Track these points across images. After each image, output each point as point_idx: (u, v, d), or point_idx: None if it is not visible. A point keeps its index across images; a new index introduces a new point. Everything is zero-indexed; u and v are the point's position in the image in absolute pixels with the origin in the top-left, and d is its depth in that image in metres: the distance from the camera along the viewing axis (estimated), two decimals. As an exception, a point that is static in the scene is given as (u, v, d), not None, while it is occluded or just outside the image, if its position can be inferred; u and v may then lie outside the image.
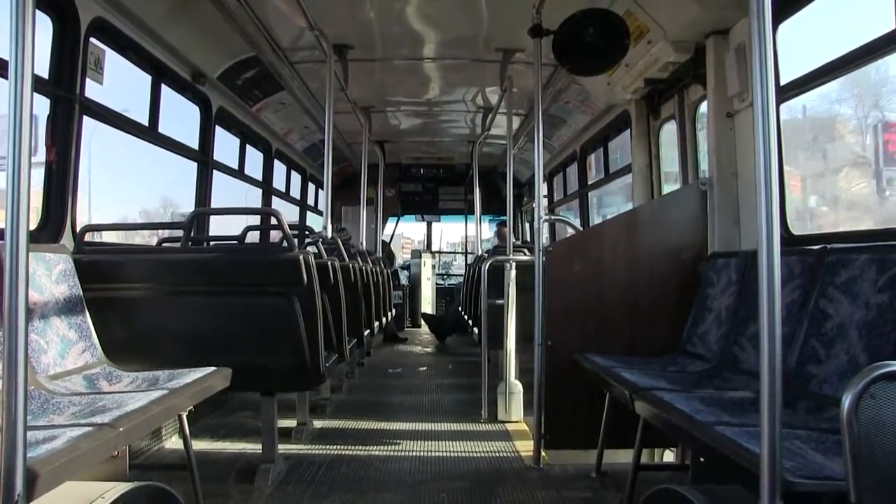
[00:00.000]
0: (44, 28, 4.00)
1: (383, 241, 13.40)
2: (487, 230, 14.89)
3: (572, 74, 6.33)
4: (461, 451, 5.07)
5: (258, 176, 8.54)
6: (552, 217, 8.66)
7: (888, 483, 1.80)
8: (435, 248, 16.70)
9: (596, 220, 8.94)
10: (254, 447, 4.85)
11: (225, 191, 7.15)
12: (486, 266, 6.18)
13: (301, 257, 4.06)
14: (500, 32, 6.29)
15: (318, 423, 5.75)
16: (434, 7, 5.86)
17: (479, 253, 10.57)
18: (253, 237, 6.94)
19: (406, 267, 15.15)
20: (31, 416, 2.80)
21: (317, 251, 5.30)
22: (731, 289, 4.11)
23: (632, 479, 3.74)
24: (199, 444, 4.92)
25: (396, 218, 14.97)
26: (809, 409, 2.93)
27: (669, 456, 4.88)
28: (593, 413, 4.33)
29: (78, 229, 4.19)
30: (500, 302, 5.98)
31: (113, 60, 4.69)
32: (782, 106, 3.97)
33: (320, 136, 9.10)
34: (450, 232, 19.14)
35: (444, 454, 5.02)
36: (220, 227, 7.44)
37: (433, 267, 14.69)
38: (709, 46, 4.72)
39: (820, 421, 2.76)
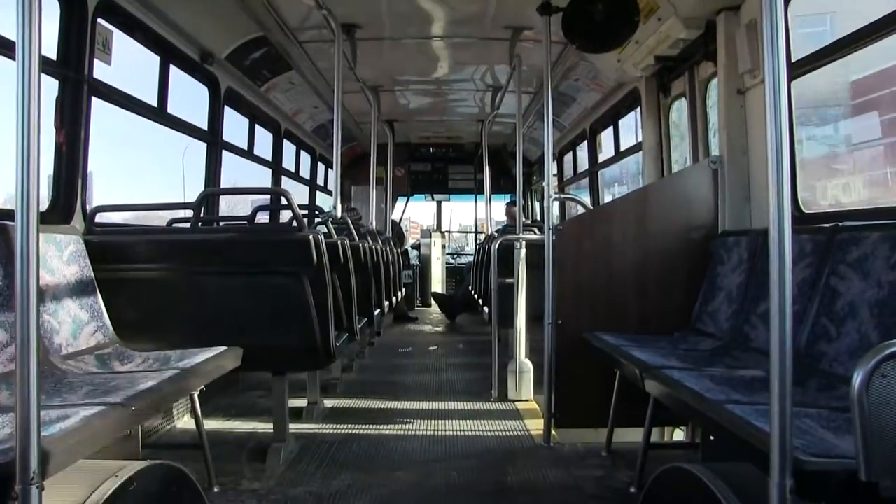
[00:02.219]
0: (51, 9, 3.99)
1: (393, 221, 13.38)
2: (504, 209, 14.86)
3: (582, 52, 6.29)
4: (472, 430, 5.10)
5: (267, 156, 8.54)
6: (562, 195, 8.65)
7: None
8: (445, 227, 16.67)
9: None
10: (265, 426, 4.88)
11: (235, 172, 7.16)
12: (496, 245, 6.17)
13: (311, 237, 4.07)
14: (508, 10, 6.23)
15: (328, 403, 5.78)
16: None
17: (490, 232, 10.55)
18: (263, 217, 6.95)
19: (416, 246, 15.14)
20: (45, 395, 2.82)
21: (327, 231, 5.31)
22: (741, 267, 4.09)
23: (642, 457, 3.75)
24: (210, 424, 4.96)
25: (406, 197, 14.96)
26: (820, 388, 2.92)
27: (680, 434, 4.90)
28: (603, 391, 4.33)
29: (88, 210, 4.21)
30: (510, 281, 5.98)
31: (121, 41, 4.68)
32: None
33: (329, 115, 9.08)
34: (460, 211, 19.08)
35: (455, 433, 5.05)
36: (226, 207, 7.45)
37: (443, 246, 14.67)
38: (719, 23, 4.67)
39: (830, 399, 2.76)
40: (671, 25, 5.01)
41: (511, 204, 11.32)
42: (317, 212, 6.08)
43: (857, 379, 1.79)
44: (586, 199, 8.43)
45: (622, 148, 7.74)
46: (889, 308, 2.76)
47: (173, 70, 5.56)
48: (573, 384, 4.64)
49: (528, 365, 5.95)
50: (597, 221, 4.85)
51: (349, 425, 5.15)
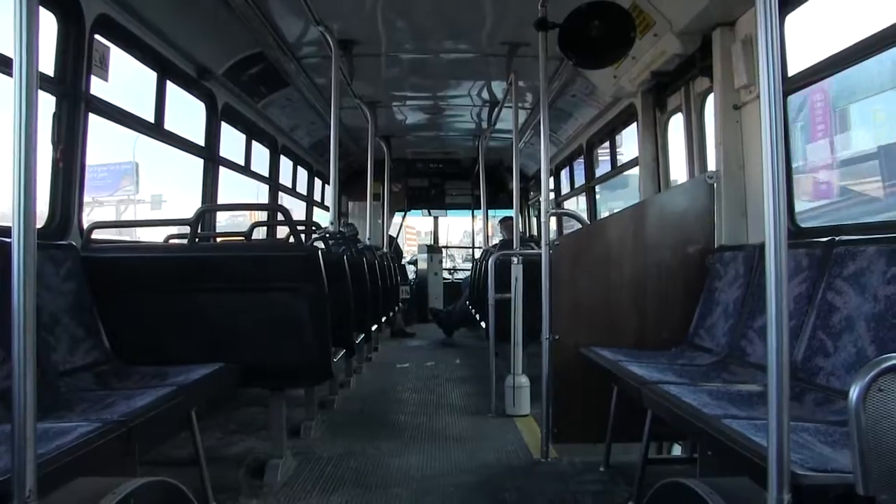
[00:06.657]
0: (48, 25, 4.01)
1: (390, 236, 13.39)
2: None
3: (578, 68, 6.32)
4: (469, 446, 5.07)
5: (264, 172, 8.55)
6: (559, 211, 8.66)
7: None
8: (442, 242, 16.67)
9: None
10: (262, 443, 4.86)
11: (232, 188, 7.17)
12: (492, 260, 6.17)
13: (309, 253, 4.06)
14: (505, 26, 6.28)
15: (326, 419, 5.76)
16: (439, 1, 5.85)
17: (486, 247, 10.56)
18: (260, 233, 6.95)
19: (413, 262, 15.13)
20: (42, 412, 2.82)
21: (324, 246, 5.30)
22: (738, 282, 4.10)
23: (640, 472, 3.74)
24: (207, 440, 4.93)
25: (403, 213, 14.97)
26: (817, 402, 2.92)
27: (678, 449, 4.88)
28: (601, 407, 4.32)
29: (85, 227, 4.20)
30: (507, 296, 5.97)
31: (118, 57, 4.70)
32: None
33: (326, 131, 9.13)
34: (458, 226, 19.12)
35: (452, 448, 5.02)
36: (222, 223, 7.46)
37: (440, 262, 14.66)
38: (715, 38, 4.70)
39: (827, 414, 2.76)
40: (667, 41, 5.05)
41: (505, 219, 11.32)
42: (314, 227, 6.09)
43: (854, 393, 1.78)
44: (583, 214, 8.44)
45: (619, 163, 7.77)
46: (885, 322, 2.77)
47: (170, 86, 5.58)
48: (571, 399, 4.63)
49: (526, 380, 5.93)
50: (594, 236, 4.86)
51: (346, 441, 5.12)
